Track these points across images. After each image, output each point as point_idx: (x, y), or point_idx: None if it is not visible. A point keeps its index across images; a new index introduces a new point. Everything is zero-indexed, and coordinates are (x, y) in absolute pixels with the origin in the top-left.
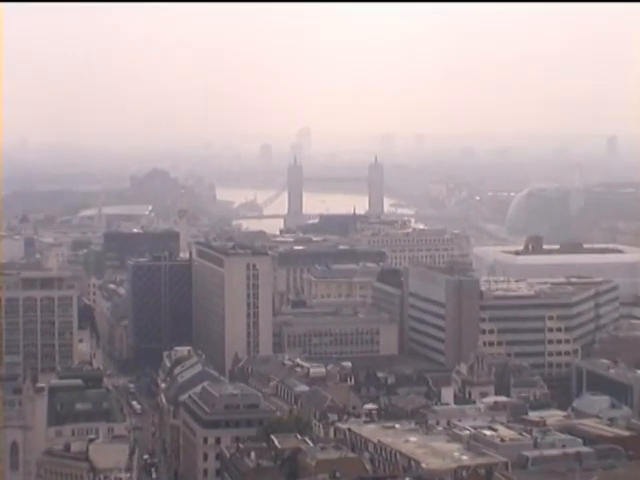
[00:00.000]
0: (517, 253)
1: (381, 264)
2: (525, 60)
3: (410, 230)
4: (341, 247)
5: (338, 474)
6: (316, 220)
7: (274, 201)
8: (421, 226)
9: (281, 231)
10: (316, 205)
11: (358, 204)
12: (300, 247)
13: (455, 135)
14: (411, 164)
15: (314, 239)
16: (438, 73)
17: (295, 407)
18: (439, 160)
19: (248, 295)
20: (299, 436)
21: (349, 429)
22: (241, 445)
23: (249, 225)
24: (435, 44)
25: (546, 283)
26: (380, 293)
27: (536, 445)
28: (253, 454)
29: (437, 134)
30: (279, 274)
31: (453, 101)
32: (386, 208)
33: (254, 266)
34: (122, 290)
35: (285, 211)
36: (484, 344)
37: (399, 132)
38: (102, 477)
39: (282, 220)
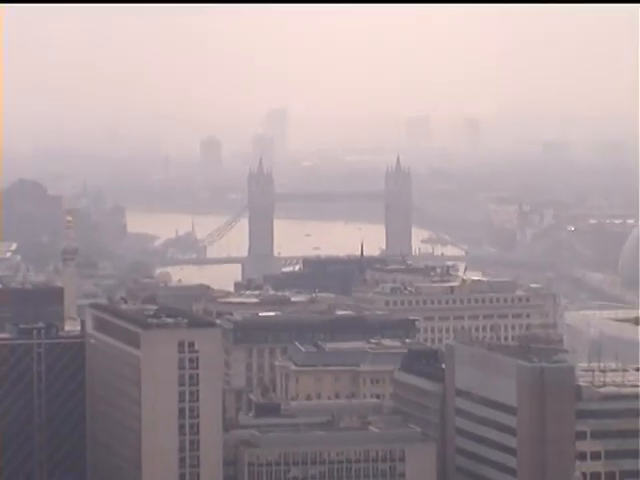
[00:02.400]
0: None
1: (408, 341)
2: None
3: (457, 284)
4: (340, 313)
5: None
6: (297, 267)
7: (225, 234)
8: (476, 276)
9: (238, 286)
10: (297, 241)
11: (369, 239)
12: (270, 313)
13: (523, 121)
14: (457, 170)
15: (294, 299)
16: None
17: None
18: (504, 161)
19: (181, 395)
20: None
21: None
22: None
23: (183, 275)
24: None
25: None
26: (406, 391)
27: None
28: None
29: (494, 120)
30: (235, 359)
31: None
32: (416, 245)
33: (191, 346)
34: None
35: (244, 252)
36: (585, 478)
37: (436, 116)
38: None
39: (239, 267)
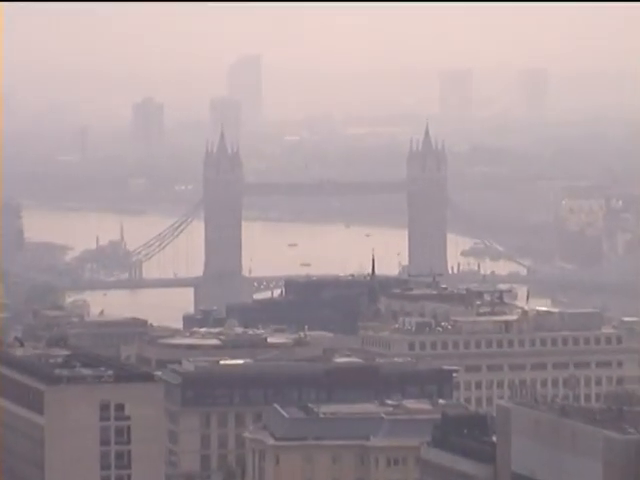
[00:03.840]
0: None
1: (441, 402)
2: None
3: (514, 317)
4: (341, 360)
5: None
6: (277, 292)
7: (169, 244)
8: (543, 306)
9: (189, 320)
10: (277, 254)
11: (384, 250)
12: (237, 361)
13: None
14: (512, 147)
15: (272, 340)
16: None
17: None
18: (579, 134)
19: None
20: None
21: None
22: None
23: (108, 305)
24: None
25: None
26: (439, 476)
27: None
28: None
29: (563, 76)
30: (184, 429)
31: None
32: (454, 259)
33: (120, 409)
34: None
35: (198, 270)
36: None
37: (481, 69)
38: None
39: (191, 292)
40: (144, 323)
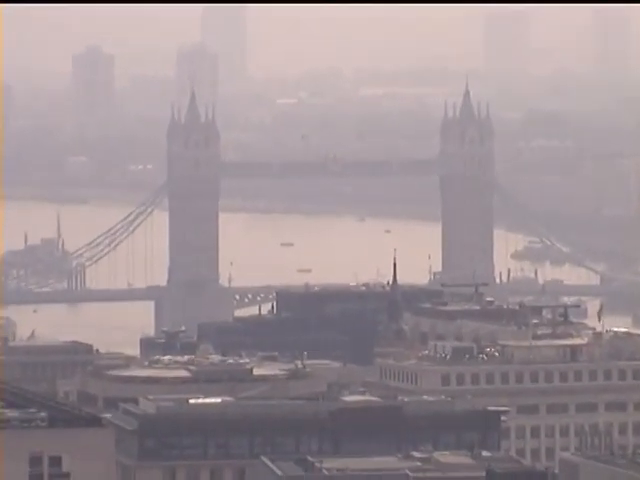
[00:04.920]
0: None
1: (486, 454)
2: None
3: (583, 341)
4: (351, 399)
5: None
6: (267, 306)
7: (121, 243)
8: (622, 326)
9: (148, 344)
10: (266, 257)
11: (409, 252)
12: (213, 400)
13: None
14: (576, 113)
15: (259, 372)
16: None
17: None
18: None
19: None
20: None
21: None
22: None
23: (40, 323)
24: None
25: None
26: None
27: None
28: None
29: None
30: None
31: None
32: (503, 263)
33: (55, 463)
34: None
35: (161, 278)
36: None
37: (535, 8)
38: None
39: (151, 307)
40: (88, 349)
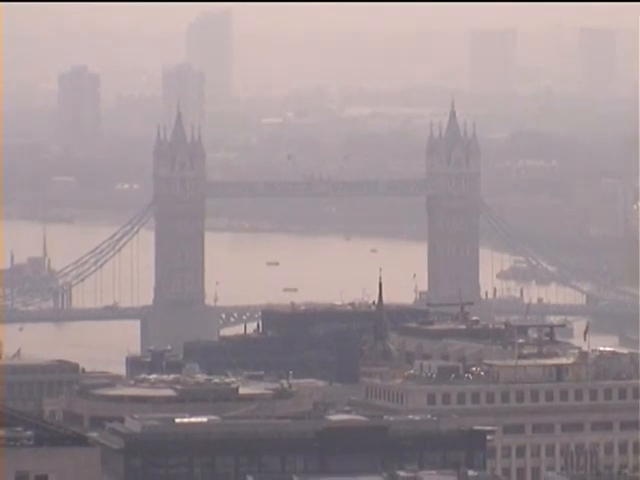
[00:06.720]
0: None
1: (472, 474)
2: None
3: (570, 361)
4: (337, 418)
5: None
6: (252, 325)
7: (107, 262)
8: (608, 346)
9: (133, 363)
10: (253, 276)
11: (395, 271)
12: (199, 419)
13: None
14: (556, 130)
15: (244, 391)
16: None
17: None
18: None
19: None
20: None
21: None
22: None
23: (26, 343)
24: None
25: None
26: None
27: None
28: None
29: None
30: None
31: None
32: (489, 283)
33: None
34: None
35: (146, 297)
36: None
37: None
38: None
39: (137, 326)
40: (74, 368)
